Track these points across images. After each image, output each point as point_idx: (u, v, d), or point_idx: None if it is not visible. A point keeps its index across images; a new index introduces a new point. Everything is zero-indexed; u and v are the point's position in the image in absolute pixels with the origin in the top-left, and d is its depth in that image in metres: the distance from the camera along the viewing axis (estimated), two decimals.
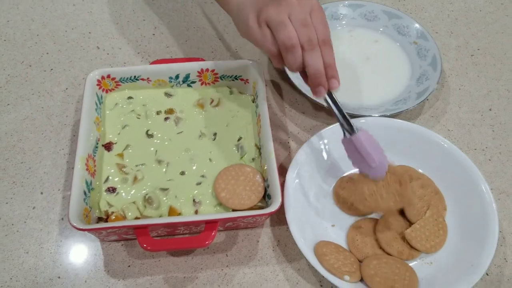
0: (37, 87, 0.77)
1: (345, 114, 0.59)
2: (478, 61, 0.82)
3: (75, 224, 0.54)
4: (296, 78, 0.73)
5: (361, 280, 0.58)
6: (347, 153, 0.60)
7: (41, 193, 0.66)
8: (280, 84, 0.78)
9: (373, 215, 0.65)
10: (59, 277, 0.60)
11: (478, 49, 0.84)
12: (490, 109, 0.76)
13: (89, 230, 0.55)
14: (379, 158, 0.58)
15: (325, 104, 0.60)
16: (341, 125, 0.59)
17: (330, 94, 0.59)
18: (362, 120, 0.68)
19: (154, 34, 0.84)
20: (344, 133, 0.59)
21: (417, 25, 0.80)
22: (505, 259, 0.63)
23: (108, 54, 0.81)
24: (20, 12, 0.86)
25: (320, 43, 0.57)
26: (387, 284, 0.56)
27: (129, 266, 0.61)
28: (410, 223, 0.63)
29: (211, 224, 0.57)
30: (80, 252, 0.62)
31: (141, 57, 0.81)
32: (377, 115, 0.69)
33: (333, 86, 0.58)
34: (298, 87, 0.71)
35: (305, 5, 0.57)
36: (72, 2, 0.88)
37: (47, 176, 0.68)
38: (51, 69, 0.79)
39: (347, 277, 0.57)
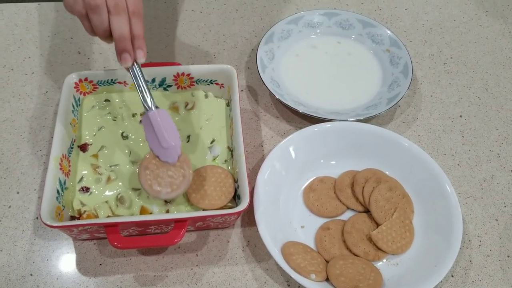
0: (18, 90, 0.78)
1: (147, 89, 0.60)
2: (451, 69, 0.84)
3: (46, 222, 0.56)
4: (270, 83, 0.75)
5: (327, 280, 0.60)
6: (145, 132, 0.61)
7: (17, 192, 0.68)
8: (256, 89, 0.80)
9: (341, 217, 0.66)
10: (31, 275, 0.61)
11: (451, 58, 0.86)
12: (460, 116, 0.78)
13: (59, 228, 0.57)
14: (172, 140, 0.59)
15: (130, 74, 0.60)
16: (142, 100, 0.60)
17: (135, 66, 0.59)
18: (329, 124, 0.70)
19: None
20: (145, 111, 0.60)
21: (390, 33, 0.82)
22: (470, 261, 0.64)
23: (88, 58, 0.83)
24: (4, 17, 0.88)
25: (130, 13, 0.56)
26: (351, 283, 0.58)
27: (100, 264, 0.62)
28: (377, 225, 0.64)
29: (180, 223, 0.58)
30: (53, 251, 0.63)
31: None
32: (348, 119, 0.71)
33: (138, 56, 0.58)
34: (273, 92, 0.73)
35: None
36: (56, 8, 0.90)
37: (24, 177, 0.69)
38: (32, 73, 0.80)
39: (313, 276, 0.58)
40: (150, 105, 0.60)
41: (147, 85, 0.61)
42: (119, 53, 0.58)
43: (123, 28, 0.56)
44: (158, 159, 0.61)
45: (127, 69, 0.60)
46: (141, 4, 0.58)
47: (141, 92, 0.60)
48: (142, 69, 0.69)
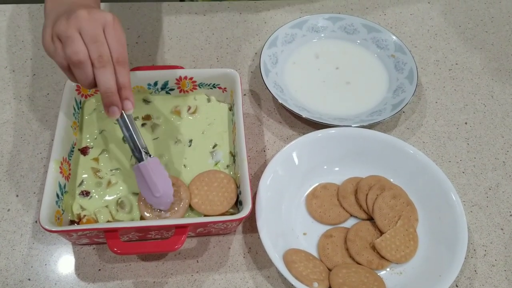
0: (19, 91, 0.78)
1: (136, 140, 0.59)
2: (456, 76, 0.83)
3: (45, 226, 0.55)
4: (273, 88, 0.74)
5: None
6: (137, 180, 0.60)
7: (17, 195, 0.67)
8: (259, 93, 0.79)
9: (345, 225, 0.66)
10: (29, 279, 0.60)
11: (456, 64, 0.85)
12: (465, 123, 0.77)
13: (58, 232, 0.56)
14: (164, 189, 0.59)
15: (119, 124, 0.59)
16: (131, 151, 0.59)
17: (123, 117, 0.58)
18: (333, 130, 0.69)
19: (137, 43, 0.85)
20: (135, 161, 0.59)
21: (395, 39, 0.81)
22: (475, 271, 0.63)
23: None
24: (6, 18, 0.88)
25: (114, 62, 0.54)
26: None
27: (99, 270, 0.61)
28: (381, 233, 0.63)
29: (181, 229, 0.57)
30: (52, 255, 0.62)
31: None
32: (352, 125, 0.70)
33: (126, 108, 0.56)
34: (276, 97, 0.72)
35: (97, 20, 0.54)
36: None
37: (24, 179, 0.68)
38: (34, 75, 0.80)
39: (315, 284, 0.57)
40: (140, 156, 0.59)
41: (137, 135, 0.59)
42: (106, 106, 0.56)
43: (109, 82, 0.54)
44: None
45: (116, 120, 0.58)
46: (125, 50, 0.56)
47: (130, 143, 0.59)
48: (145, 73, 0.70)
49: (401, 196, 0.66)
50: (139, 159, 0.59)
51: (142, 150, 0.59)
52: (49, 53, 0.57)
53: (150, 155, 0.60)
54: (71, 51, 0.53)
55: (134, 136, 0.59)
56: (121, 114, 0.57)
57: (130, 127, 0.59)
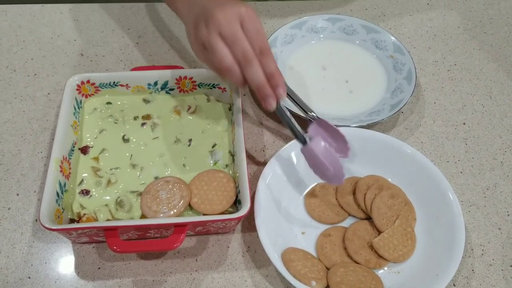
0: (20, 91, 0.78)
1: (295, 125, 0.60)
2: (454, 76, 0.84)
3: (45, 224, 0.55)
4: None
5: (327, 287, 0.59)
6: (307, 161, 0.62)
7: (17, 194, 0.67)
8: None
9: (343, 224, 0.66)
10: (29, 277, 0.61)
11: (455, 64, 0.85)
12: (464, 123, 0.78)
13: (58, 230, 0.56)
14: (334, 166, 0.59)
15: (277, 113, 0.60)
16: (295, 135, 0.60)
17: (279, 105, 0.59)
18: None
19: (137, 43, 0.85)
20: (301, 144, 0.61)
21: (394, 39, 0.82)
22: (472, 270, 0.63)
23: (91, 61, 0.83)
24: (8, 18, 0.88)
25: (257, 54, 0.56)
26: None
27: (99, 268, 0.62)
28: (379, 232, 0.64)
29: (180, 228, 0.57)
30: (52, 253, 0.63)
31: (123, 64, 0.82)
32: (350, 125, 0.70)
33: (279, 95, 0.58)
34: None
35: (233, 17, 0.56)
36: (60, 10, 0.90)
37: (24, 178, 0.69)
38: (35, 74, 0.80)
39: (313, 283, 0.57)
40: (304, 140, 0.60)
41: (292, 121, 0.60)
42: (262, 100, 0.58)
43: (258, 77, 0.56)
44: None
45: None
46: (265, 38, 0.57)
47: (292, 128, 0.60)
48: (145, 72, 0.70)
49: (399, 196, 0.66)
50: (303, 142, 0.60)
51: (302, 134, 0.60)
52: (201, 60, 0.60)
53: (310, 138, 0.60)
54: (217, 59, 0.56)
55: (293, 122, 0.60)
56: (277, 103, 0.58)
57: (287, 114, 0.59)
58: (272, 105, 0.58)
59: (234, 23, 0.56)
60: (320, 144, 0.59)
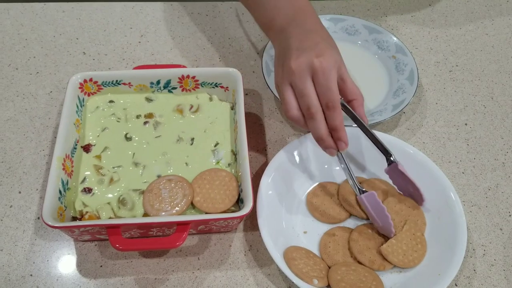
0: (22, 89, 0.78)
1: (352, 175, 0.62)
2: (456, 77, 0.84)
3: (48, 222, 0.55)
4: (274, 88, 0.75)
5: (328, 286, 0.59)
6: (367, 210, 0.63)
7: (19, 192, 0.67)
8: (260, 93, 0.79)
9: (345, 224, 0.66)
10: (31, 275, 0.61)
11: (457, 65, 0.86)
12: (465, 124, 0.78)
13: (61, 228, 0.56)
14: (382, 221, 0.61)
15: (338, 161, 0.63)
16: (352, 185, 0.62)
17: (339, 155, 0.62)
18: None
19: (140, 42, 0.86)
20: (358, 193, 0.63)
21: (396, 40, 0.82)
22: (474, 270, 0.63)
23: (93, 59, 0.83)
24: (10, 17, 0.88)
25: (324, 108, 0.59)
26: None
27: (101, 266, 0.62)
28: (387, 238, 0.63)
29: (182, 226, 0.57)
30: (54, 251, 0.63)
31: (126, 63, 0.82)
32: (353, 125, 0.70)
33: (340, 148, 0.60)
34: (278, 97, 0.73)
35: (305, 69, 0.58)
36: (62, 8, 0.90)
37: (26, 176, 0.69)
38: (37, 72, 0.80)
39: (316, 281, 0.57)
40: (358, 191, 0.62)
41: (350, 172, 0.62)
42: (323, 148, 0.61)
43: (319, 131, 0.59)
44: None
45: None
46: (333, 93, 0.59)
47: (351, 178, 0.62)
48: (147, 71, 0.70)
49: (407, 200, 0.66)
50: (357, 192, 0.62)
51: (357, 185, 0.62)
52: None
53: (364, 191, 0.62)
54: (284, 108, 0.61)
55: (351, 172, 0.62)
56: (338, 152, 0.61)
57: (346, 163, 0.62)
58: (332, 154, 0.61)
59: (305, 77, 0.59)
60: (371, 197, 0.61)
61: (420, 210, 0.66)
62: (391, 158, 0.63)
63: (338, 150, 0.61)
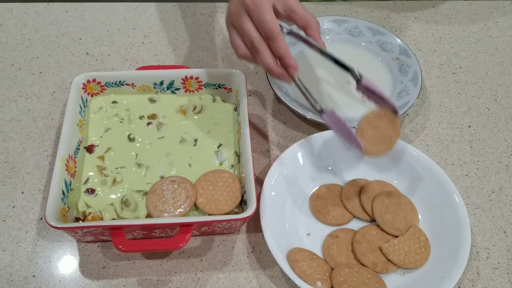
0: (25, 89, 0.78)
1: (311, 96, 0.64)
2: (460, 79, 0.84)
3: (51, 223, 0.55)
4: (278, 89, 0.75)
5: None
6: (332, 129, 0.65)
7: (22, 192, 0.67)
8: (264, 94, 0.79)
9: (348, 226, 0.66)
10: (34, 276, 0.60)
11: (460, 67, 0.85)
12: (469, 126, 0.78)
13: (64, 229, 0.56)
14: (345, 133, 0.63)
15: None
16: (311, 106, 0.65)
17: (295, 80, 0.63)
18: None
19: (143, 42, 0.85)
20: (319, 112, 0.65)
21: (400, 42, 0.82)
22: (478, 273, 0.63)
23: (97, 60, 0.83)
24: (13, 16, 0.88)
25: (265, 40, 0.60)
26: None
27: (104, 267, 0.61)
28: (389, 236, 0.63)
29: (185, 227, 0.57)
30: (57, 252, 0.62)
31: (129, 64, 0.82)
32: (356, 127, 0.70)
33: (291, 73, 0.62)
34: (281, 98, 0.73)
35: (239, 8, 0.61)
36: (65, 8, 0.90)
37: (29, 177, 0.68)
38: (40, 73, 0.80)
39: (319, 283, 0.57)
40: (321, 107, 0.64)
41: (306, 93, 0.64)
42: (276, 78, 0.62)
43: (266, 62, 0.61)
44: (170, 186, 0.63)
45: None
46: (270, 23, 0.59)
47: (308, 99, 0.64)
48: (151, 72, 0.70)
49: (408, 202, 0.66)
50: (320, 111, 0.64)
51: (318, 103, 0.64)
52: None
53: (324, 110, 0.64)
54: (234, 49, 0.63)
55: (310, 93, 0.64)
56: (292, 79, 0.63)
57: (302, 86, 0.64)
58: (286, 81, 0.63)
59: (241, 15, 0.61)
60: (332, 115, 0.63)
61: (412, 205, 0.66)
62: (355, 74, 0.64)
63: (291, 77, 0.62)
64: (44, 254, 0.62)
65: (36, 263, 0.61)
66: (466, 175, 0.72)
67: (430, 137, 0.76)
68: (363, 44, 0.84)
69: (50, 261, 0.62)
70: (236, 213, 0.63)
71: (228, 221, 0.58)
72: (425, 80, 0.83)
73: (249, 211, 0.57)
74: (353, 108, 0.77)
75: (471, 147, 0.75)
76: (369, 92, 0.65)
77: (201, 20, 0.90)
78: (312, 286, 0.57)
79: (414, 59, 0.79)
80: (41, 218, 0.65)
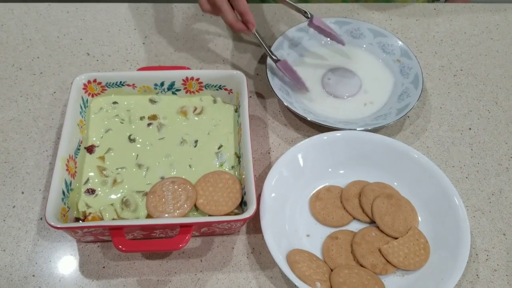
0: (26, 89, 0.78)
1: (266, 47, 0.76)
2: (461, 81, 0.84)
3: (51, 222, 0.55)
4: (279, 90, 0.75)
5: None
6: (284, 74, 0.77)
7: (22, 192, 0.67)
8: (264, 96, 0.79)
9: (348, 227, 0.66)
10: (33, 276, 0.60)
11: (461, 70, 0.85)
12: (470, 128, 0.78)
13: (64, 229, 0.56)
14: (295, 79, 0.76)
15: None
16: (268, 53, 0.76)
17: (253, 33, 0.75)
18: (339, 133, 0.69)
19: (144, 43, 0.86)
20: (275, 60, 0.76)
21: (401, 43, 0.82)
22: (477, 275, 0.63)
23: (97, 60, 0.83)
24: (14, 17, 0.88)
25: None
26: None
27: (104, 267, 0.61)
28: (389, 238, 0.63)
29: (185, 228, 0.57)
30: (56, 252, 0.62)
31: (129, 64, 0.82)
32: (357, 129, 0.70)
33: (250, 28, 0.73)
34: (282, 100, 0.73)
35: None
36: (66, 9, 0.90)
37: (29, 176, 0.69)
38: (41, 73, 0.80)
39: (318, 284, 0.57)
40: (276, 56, 0.76)
41: (264, 45, 0.76)
42: (237, 31, 0.75)
43: (228, 19, 0.71)
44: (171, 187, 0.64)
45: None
46: None
47: (266, 49, 0.76)
48: (151, 73, 0.71)
49: (408, 204, 0.66)
50: (275, 59, 0.76)
51: (271, 55, 0.76)
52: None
53: (278, 59, 0.76)
54: (199, 3, 0.73)
55: (264, 44, 0.76)
56: (251, 32, 0.75)
57: (260, 39, 0.76)
58: (247, 34, 0.75)
59: None
60: (284, 64, 0.75)
61: (412, 207, 0.66)
62: (307, 15, 0.78)
63: (250, 30, 0.74)
64: (44, 254, 0.62)
65: (36, 263, 0.61)
66: (466, 178, 0.72)
67: (431, 139, 0.76)
68: (364, 46, 0.84)
69: (50, 261, 0.62)
70: (236, 214, 0.63)
71: (228, 222, 0.58)
72: (426, 82, 0.83)
73: (249, 212, 0.57)
74: (353, 110, 0.77)
75: (472, 149, 0.75)
76: (319, 29, 0.80)
77: (202, 21, 0.90)
78: (311, 287, 0.57)
79: (415, 61, 0.79)
80: (41, 218, 0.65)
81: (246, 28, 0.73)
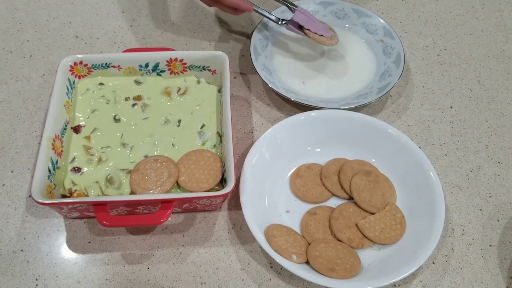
0: (16, 72, 0.80)
1: (270, 16, 0.80)
2: (444, 61, 0.85)
3: (37, 199, 0.57)
4: (262, 70, 0.76)
5: (307, 262, 0.61)
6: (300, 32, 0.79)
7: (12, 171, 0.69)
8: (249, 76, 0.81)
9: (327, 203, 0.68)
10: (22, 250, 0.63)
11: (445, 49, 0.86)
12: (451, 107, 0.79)
13: (49, 205, 0.58)
14: (315, 28, 0.78)
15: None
16: (275, 20, 0.80)
17: (254, 10, 0.78)
18: (315, 112, 0.71)
19: (131, 26, 0.87)
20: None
21: (384, 23, 0.82)
22: (452, 249, 0.65)
23: (86, 43, 0.84)
24: (5, 1, 0.90)
25: None
26: (328, 265, 0.59)
27: (89, 242, 0.64)
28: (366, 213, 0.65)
29: (167, 204, 0.59)
30: (44, 228, 0.65)
31: (117, 47, 0.84)
32: (339, 108, 0.72)
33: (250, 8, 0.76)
34: (265, 80, 0.74)
35: None
36: None
37: (19, 156, 0.71)
38: (30, 56, 0.82)
39: (294, 257, 0.59)
40: (278, 20, 0.80)
41: (266, 14, 0.80)
42: (241, 13, 0.77)
43: (232, 2, 0.73)
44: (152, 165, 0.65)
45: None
46: None
47: (270, 18, 0.80)
48: (136, 54, 0.72)
49: (386, 180, 0.68)
50: (286, 22, 0.80)
51: (275, 20, 0.80)
52: None
53: (286, 21, 0.80)
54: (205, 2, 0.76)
55: (267, 15, 0.80)
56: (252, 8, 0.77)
57: (262, 12, 0.79)
58: (249, 10, 0.76)
59: None
60: (292, 24, 0.79)
61: (390, 183, 0.68)
62: (291, 7, 0.80)
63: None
64: (32, 230, 0.65)
65: (24, 238, 0.64)
66: (446, 155, 0.74)
67: (412, 117, 0.77)
68: (347, 25, 0.85)
69: (38, 237, 0.64)
70: (217, 190, 0.64)
71: (208, 198, 0.60)
72: (410, 62, 0.84)
73: (228, 188, 0.59)
74: (336, 89, 0.78)
75: (452, 127, 0.76)
76: (299, 27, 0.79)
77: (189, 3, 0.91)
78: (287, 260, 0.59)
79: (398, 41, 0.80)
80: (29, 196, 0.67)
81: (251, 5, 0.76)
